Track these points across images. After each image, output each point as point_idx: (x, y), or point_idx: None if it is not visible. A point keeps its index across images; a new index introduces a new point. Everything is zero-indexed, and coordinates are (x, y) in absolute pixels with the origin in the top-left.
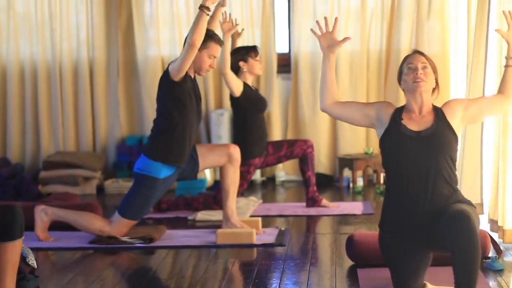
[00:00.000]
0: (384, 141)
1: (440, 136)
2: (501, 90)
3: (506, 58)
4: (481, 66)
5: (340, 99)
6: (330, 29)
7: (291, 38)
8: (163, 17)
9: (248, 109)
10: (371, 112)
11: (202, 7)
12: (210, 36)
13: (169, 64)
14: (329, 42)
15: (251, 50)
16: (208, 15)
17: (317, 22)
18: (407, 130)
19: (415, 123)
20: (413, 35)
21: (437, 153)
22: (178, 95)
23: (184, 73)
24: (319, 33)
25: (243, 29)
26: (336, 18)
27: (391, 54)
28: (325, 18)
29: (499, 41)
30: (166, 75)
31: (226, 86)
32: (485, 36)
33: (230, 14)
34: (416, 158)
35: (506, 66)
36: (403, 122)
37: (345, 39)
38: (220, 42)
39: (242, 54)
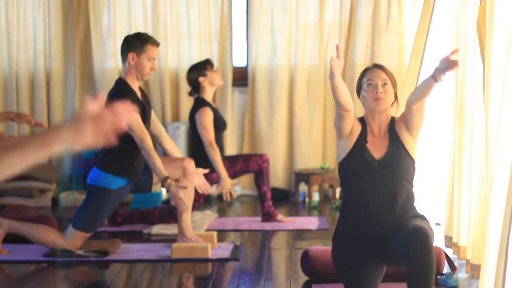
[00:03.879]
0: (347, 163)
1: (397, 163)
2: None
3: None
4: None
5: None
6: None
7: (249, 51)
8: (121, 28)
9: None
10: (353, 121)
11: None
12: (145, 39)
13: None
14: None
15: (206, 64)
16: None
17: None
18: (369, 157)
19: (375, 147)
20: (371, 49)
21: (394, 181)
22: None
23: None
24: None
25: None
26: (337, 46)
27: (347, 69)
28: (337, 47)
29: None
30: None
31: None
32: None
33: None
34: (374, 184)
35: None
36: (368, 146)
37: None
38: (157, 43)
39: (199, 70)
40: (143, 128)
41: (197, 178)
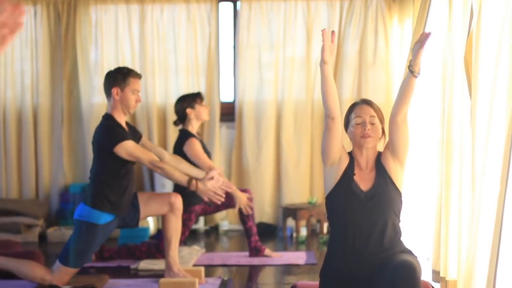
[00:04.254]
0: (334, 195)
1: (383, 195)
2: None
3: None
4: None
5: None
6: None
7: (236, 86)
8: (108, 64)
9: (192, 161)
10: (341, 150)
11: None
12: (127, 73)
13: (106, 116)
14: (332, 51)
15: (196, 97)
16: None
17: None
18: (357, 188)
19: (363, 180)
20: (357, 83)
21: (381, 213)
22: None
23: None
24: (328, 41)
25: None
26: (333, 32)
27: None
28: (333, 32)
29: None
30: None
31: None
32: None
33: None
34: (361, 216)
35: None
36: (355, 178)
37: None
38: (139, 76)
39: (188, 101)
40: (144, 150)
41: (212, 182)
